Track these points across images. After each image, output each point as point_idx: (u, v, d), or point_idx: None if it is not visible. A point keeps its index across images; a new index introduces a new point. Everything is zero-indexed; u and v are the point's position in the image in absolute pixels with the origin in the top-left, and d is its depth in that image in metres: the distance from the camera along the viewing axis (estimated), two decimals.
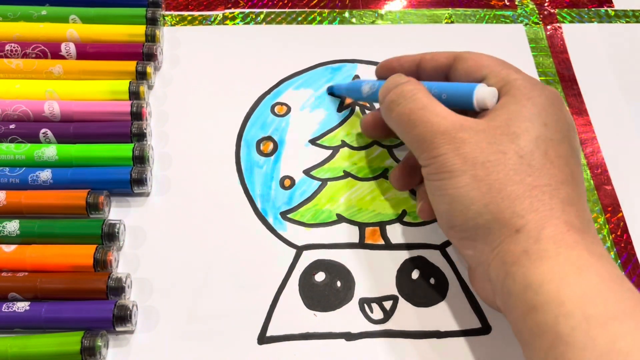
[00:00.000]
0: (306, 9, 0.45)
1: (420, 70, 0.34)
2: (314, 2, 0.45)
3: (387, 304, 0.33)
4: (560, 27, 0.45)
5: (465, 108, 0.30)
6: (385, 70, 0.36)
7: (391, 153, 0.38)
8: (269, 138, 0.38)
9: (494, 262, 0.27)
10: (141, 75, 0.39)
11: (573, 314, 0.23)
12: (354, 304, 0.33)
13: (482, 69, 0.30)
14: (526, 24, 0.45)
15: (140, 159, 0.35)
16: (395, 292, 0.33)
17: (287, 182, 0.37)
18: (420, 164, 0.30)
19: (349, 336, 0.32)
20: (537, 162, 0.27)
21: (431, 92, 0.30)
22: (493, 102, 0.29)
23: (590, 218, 0.27)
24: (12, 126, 0.36)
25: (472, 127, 0.28)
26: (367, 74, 0.41)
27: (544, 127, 0.27)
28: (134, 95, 0.38)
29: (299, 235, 0.35)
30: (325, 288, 0.33)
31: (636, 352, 0.22)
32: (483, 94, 0.29)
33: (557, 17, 0.46)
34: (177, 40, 0.43)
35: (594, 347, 0.22)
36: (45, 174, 0.34)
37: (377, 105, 0.37)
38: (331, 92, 0.40)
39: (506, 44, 0.44)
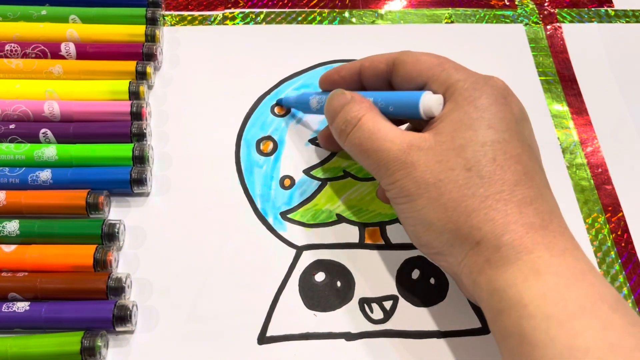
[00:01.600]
0: (306, 9, 0.45)
1: (362, 78, 0.34)
2: (314, 2, 0.45)
3: (387, 304, 0.33)
4: (560, 27, 0.45)
5: (413, 118, 0.30)
6: (327, 84, 0.36)
7: None
8: (269, 138, 0.38)
9: (464, 273, 0.27)
10: (141, 75, 0.39)
11: (534, 315, 0.24)
12: (354, 304, 0.33)
13: (422, 73, 0.30)
14: (526, 24, 0.45)
15: (140, 159, 0.35)
16: (395, 292, 0.33)
17: (287, 182, 0.37)
18: (383, 187, 0.30)
19: (349, 336, 0.32)
20: (486, 170, 0.27)
21: (377, 105, 0.31)
22: (439, 110, 0.29)
23: (553, 209, 0.27)
24: (12, 126, 0.36)
25: (420, 147, 0.28)
26: None
27: (490, 131, 0.27)
28: (134, 95, 0.38)
29: (299, 235, 0.35)
30: (325, 288, 0.33)
31: (595, 348, 0.23)
32: (429, 103, 0.29)
33: (557, 17, 0.46)
34: (177, 40, 0.43)
35: (554, 346, 0.23)
36: (45, 174, 0.34)
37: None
38: (279, 104, 0.40)
39: (506, 44, 0.44)
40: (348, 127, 0.30)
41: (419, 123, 0.32)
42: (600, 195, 0.37)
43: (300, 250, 0.34)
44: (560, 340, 0.23)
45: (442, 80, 0.29)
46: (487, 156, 0.27)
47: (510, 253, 0.26)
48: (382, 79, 0.33)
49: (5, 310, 0.30)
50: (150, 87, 0.40)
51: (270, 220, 0.35)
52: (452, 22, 0.45)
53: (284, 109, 0.40)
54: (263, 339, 0.31)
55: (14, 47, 0.39)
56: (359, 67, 0.34)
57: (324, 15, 0.45)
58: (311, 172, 0.37)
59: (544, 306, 0.24)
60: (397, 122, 0.32)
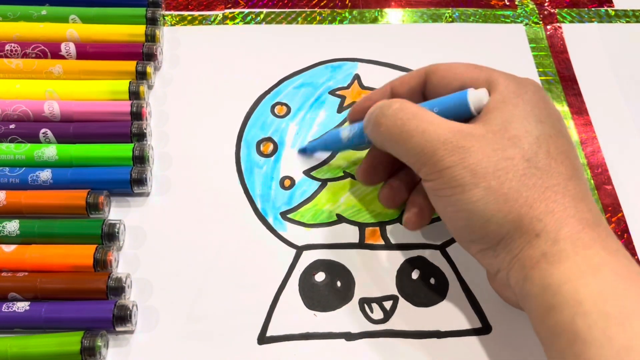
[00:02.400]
0: (306, 9, 0.45)
1: (395, 98, 0.32)
2: (314, 1, 0.45)
3: (387, 304, 0.33)
4: (560, 27, 0.45)
5: (460, 117, 0.29)
6: (359, 114, 0.34)
7: None
8: (269, 139, 0.38)
9: (515, 268, 0.27)
10: (141, 75, 0.39)
11: (590, 313, 0.23)
12: (354, 304, 0.33)
13: (458, 76, 0.30)
14: (526, 24, 0.45)
15: (140, 159, 0.35)
16: (395, 292, 0.33)
17: (287, 183, 0.37)
18: (422, 177, 0.29)
19: (349, 336, 0.32)
20: (543, 162, 0.26)
21: None
22: (485, 103, 0.28)
23: (599, 210, 0.27)
24: (12, 126, 0.36)
25: (472, 134, 0.27)
26: (368, 72, 0.41)
27: (541, 124, 0.27)
28: (134, 95, 0.38)
29: (299, 235, 0.35)
30: (325, 288, 0.33)
31: None
32: (478, 96, 0.28)
33: (557, 17, 0.46)
34: (177, 40, 0.43)
35: (612, 345, 0.22)
36: (45, 174, 0.34)
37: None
38: (304, 152, 0.38)
39: (506, 44, 0.44)
40: (388, 110, 0.28)
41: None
42: (601, 196, 0.37)
43: (300, 250, 0.34)
44: (617, 339, 0.23)
45: (483, 78, 0.29)
46: (542, 148, 0.26)
47: (568, 247, 0.25)
48: (416, 93, 0.32)
49: (5, 310, 0.30)
50: (150, 87, 0.40)
51: (270, 220, 0.35)
52: (452, 21, 0.45)
53: (285, 108, 0.40)
54: (263, 339, 0.31)
55: (14, 47, 0.39)
56: (389, 89, 0.33)
57: (324, 15, 0.45)
58: (311, 173, 0.37)
59: (602, 304, 0.23)
60: None
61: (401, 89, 0.32)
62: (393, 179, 0.34)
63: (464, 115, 0.29)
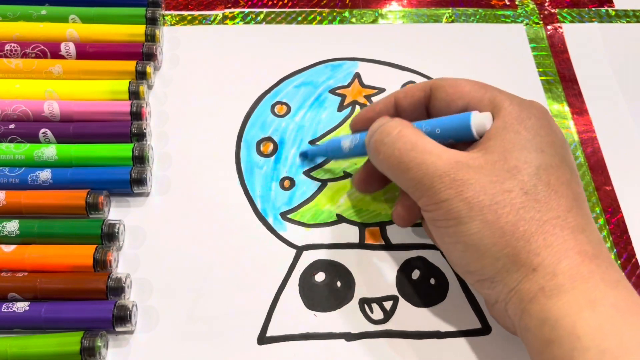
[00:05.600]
0: (306, 9, 0.45)
1: (398, 110, 0.32)
2: (314, 1, 0.45)
3: (387, 304, 0.33)
4: (560, 27, 0.45)
5: (461, 140, 0.29)
6: (361, 123, 0.34)
7: None
8: (269, 139, 0.38)
9: (512, 301, 0.26)
10: (141, 75, 0.39)
11: (589, 349, 0.23)
12: (354, 304, 0.33)
13: (464, 95, 0.29)
14: (526, 24, 0.45)
15: (140, 159, 0.35)
16: (395, 292, 0.33)
17: (287, 183, 0.37)
18: (420, 207, 0.28)
19: (349, 336, 0.32)
20: (542, 195, 0.26)
21: (422, 130, 0.29)
22: (489, 127, 0.28)
23: (601, 239, 0.27)
24: (11, 126, 0.36)
25: (470, 165, 0.26)
26: (369, 71, 0.41)
27: (542, 154, 0.27)
28: (134, 95, 0.38)
29: (299, 235, 0.35)
30: (325, 288, 0.33)
31: None
32: (481, 120, 0.28)
33: (558, 17, 0.46)
34: (177, 40, 0.43)
35: None
36: (45, 174, 0.34)
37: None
38: (304, 156, 0.38)
39: (506, 44, 0.44)
40: (388, 138, 0.28)
41: (461, 147, 0.30)
42: (600, 196, 0.37)
43: (300, 250, 0.34)
44: None
45: (487, 100, 0.28)
46: (542, 180, 0.26)
47: (566, 281, 0.25)
48: (419, 107, 0.32)
49: (5, 310, 0.30)
50: (150, 87, 0.40)
51: (270, 220, 0.35)
52: (452, 21, 0.45)
53: (285, 108, 0.40)
54: (263, 339, 0.31)
55: (13, 47, 0.39)
56: (393, 99, 0.32)
57: (324, 15, 0.45)
58: (311, 173, 0.37)
59: (600, 339, 0.23)
60: None
61: (405, 102, 0.32)
62: (406, 197, 0.32)
63: (466, 139, 0.28)
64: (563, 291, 0.25)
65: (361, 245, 0.35)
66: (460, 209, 0.26)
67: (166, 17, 0.44)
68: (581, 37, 0.45)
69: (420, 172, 0.27)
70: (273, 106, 0.40)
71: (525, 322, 0.26)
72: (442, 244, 0.28)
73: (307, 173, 0.37)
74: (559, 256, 0.25)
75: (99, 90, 0.38)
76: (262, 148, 0.38)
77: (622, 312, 0.24)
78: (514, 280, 0.26)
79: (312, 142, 0.38)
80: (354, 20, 0.44)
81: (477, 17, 0.45)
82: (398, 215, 0.32)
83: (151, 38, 0.41)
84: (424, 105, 0.32)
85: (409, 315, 0.32)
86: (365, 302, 0.33)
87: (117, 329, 0.31)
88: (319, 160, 0.37)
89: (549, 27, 0.45)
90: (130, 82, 0.38)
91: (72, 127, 0.36)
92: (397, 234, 0.35)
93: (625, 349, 0.23)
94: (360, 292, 0.33)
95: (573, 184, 0.27)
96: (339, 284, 0.33)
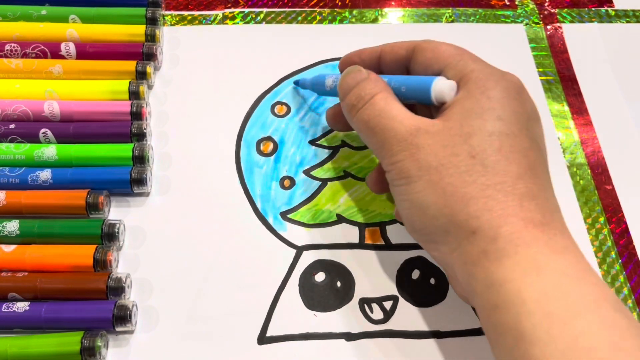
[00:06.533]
0: (306, 9, 0.45)
1: (381, 62, 0.34)
2: (314, 1, 0.45)
3: (387, 304, 0.33)
4: (560, 27, 0.45)
5: (424, 102, 0.30)
6: (346, 66, 0.35)
7: None
8: (269, 138, 0.38)
9: (457, 263, 0.27)
10: (141, 75, 0.39)
11: (534, 313, 0.24)
12: (354, 304, 0.33)
13: (440, 60, 0.30)
14: (526, 24, 0.45)
15: (140, 159, 0.35)
16: (395, 292, 0.33)
17: (287, 183, 0.37)
18: (383, 168, 0.30)
19: (349, 336, 0.32)
20: (491, 160, 0.26)
21: (390, 85, 0.30)
22: (451, 96, 0.29)
23: (556, 209, 0.27)
24: (11, 126, 0.36)
25: (427, 131, 0.28)
26: None
27: (499, 122, 0.27)
28: (134, 95, 0.38)
29: (299, 235, 0.35)
30: (325, 288, 0.33)
31: (599, 348, 0.22)
32: (441, 87, 0.29)
33: (558, 17, 0.46)
34: (177, 40, 0.43)
35: (556, 345, 0.23)
36: (45, 174, 0.34)
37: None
38: (296, 84, 0.40)
39: (506, 43, 0.44)
40: (360, 103, 0.30)
41: (432, 112, 0.32)
42: (601, 196, 0.37)
43: (300, 250, 0.34)
44: (562, 339, 0.23)
45: (459, 68, 0.29)
46: (493, 146, 0.27)
47: (507, 246, 0.25)
48: (400, 64, 0.33)
49: (5, 310, 0.30)
50: (150, 87, 0.40)
51: (271, 220, 0.35)
52: (452, 21, 0.45)
53: (285, 108, 0.40)
54: (263, 339, 0.31)
55: (14, 47, 0.39)
56: (379, 51, 0.34)
57: (324, 14, 0.45)
58: (311, 173, 0.37)
59: (545, 303, 0.24)
60: (412, 110, 0.32)
61: (388, 57, 0.33)
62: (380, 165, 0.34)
63: (427, 102, 0.29)
64: (505, 255, 0.25)
65: (361, 245, 0.35)
66: (410, 169, 0.28)
67: (166, 17, 0.44)
68: (581, 37, 0.45)
69: (383, 137, 0.29)
70: (273, 106, 0.40)
71: (472, 286, 0.26)
72: (396, 202, 0.30)
73: (307, 173, 0.37)
74: (499, 221, 0.25)
75: (99, 90, 0.38)
76: (262, 147, 0.38)
77: (568, 277, 0.24)
78: (454, 242, 0.27)
79: (312, 142, 0.38)
80: (354, 20, 0.44)
81: (477, 17, 0.45)
82: (370, 179, 0.35)
83: (151, 38, 0.41)
84: (405, 64, 0.33)
85: (409, 315, 0.32)
86: (365, 302, 0.33)
87: (117, 329, 0.31)
88: (321, 153, 0.38)
89: (548, 27, 0.45)
90: (130, 82, 0.38)
91: (72, 127, 0.36)
92: (397, 234, 0.35)
93: (571, 312, 0.23)
94: (360, 292, 0.33)
95: (530, 153, 0.27)
96: (339, 284, 0.33)
